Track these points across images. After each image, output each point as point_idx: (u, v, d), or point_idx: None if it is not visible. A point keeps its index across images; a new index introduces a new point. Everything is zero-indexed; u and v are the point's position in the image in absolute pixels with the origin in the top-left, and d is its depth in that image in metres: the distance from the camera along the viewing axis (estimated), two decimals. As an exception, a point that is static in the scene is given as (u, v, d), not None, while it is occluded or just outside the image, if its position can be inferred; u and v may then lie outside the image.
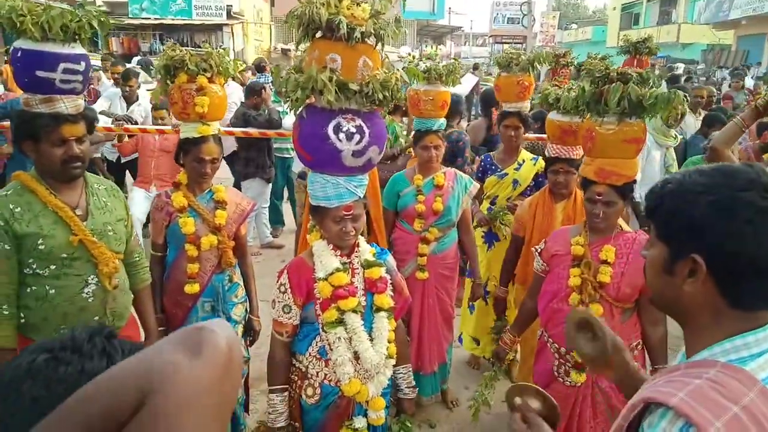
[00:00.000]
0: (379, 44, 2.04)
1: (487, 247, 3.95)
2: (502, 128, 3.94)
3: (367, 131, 2.02)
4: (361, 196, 2.14)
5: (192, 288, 2.74)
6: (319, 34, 2.04)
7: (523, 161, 3.95)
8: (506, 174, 3.92)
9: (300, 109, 2.04)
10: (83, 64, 2.12)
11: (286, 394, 2.19)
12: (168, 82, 2.69)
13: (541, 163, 4.03)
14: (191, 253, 2.73)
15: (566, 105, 3.07)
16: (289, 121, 5.58)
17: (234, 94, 7.29)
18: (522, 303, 2.86)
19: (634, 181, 2.45)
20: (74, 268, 2.12)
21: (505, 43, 30.77)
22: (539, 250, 2.69)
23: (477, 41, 42.95)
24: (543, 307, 2.61)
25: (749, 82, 12.62)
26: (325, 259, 2.15)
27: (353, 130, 2.00)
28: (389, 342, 2.17)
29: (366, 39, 2.00)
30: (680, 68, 16.75)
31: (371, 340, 2.12)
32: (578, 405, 2.46)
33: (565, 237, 2.61)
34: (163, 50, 2.70)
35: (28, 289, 2.09)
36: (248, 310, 3.01)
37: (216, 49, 2.77)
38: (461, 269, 3.87)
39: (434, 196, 3.37)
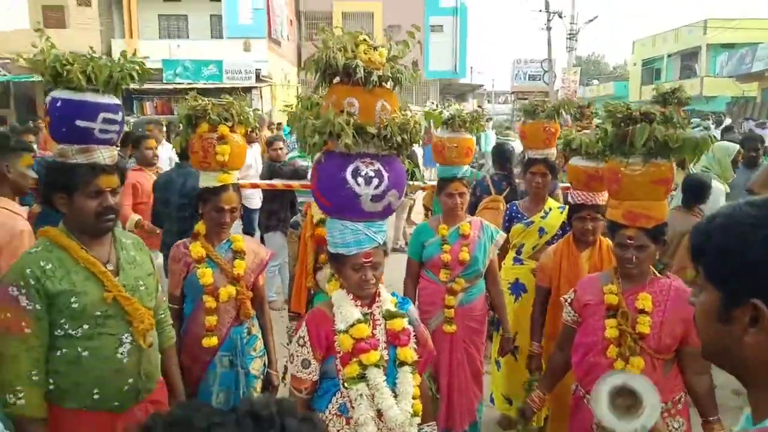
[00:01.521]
0: (397, 88, 2.01)
1: (514, 299, 3.79)
2: (529, 175, 3.87)
3: (386, 175, 1.97)
4: (381, 242, 2.06)
5: (210, 341, 2.66)
6: (336, 80, 2.03)
7: (550, 209, 3.85)
8: (532, 222, 3.81)
9: (318, 154, 2.00)
10: (120, 114, 2.13)
11: None
12: (189, 131, 2.71)
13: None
14: (209, 304, 2.66)
15: (591, 149, 3.03)
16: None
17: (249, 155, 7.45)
18: (551, 357, 2.72)
19: (665, 224, 2.34)
20: (108, 326, 2.03)
21: (527, 99, 31.19)
22: (569, 300, 2.56)
23: (498, 99, 43.68)
24: (578, 361, 2.46)
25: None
26: (345, 310, 2.05)
27: (372, 174, 1.95)
28: (414, 398, 2.03)
29: (383, 83, 1.98)
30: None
31: (395, 396, 1.99)
32: None
33: (595, 285, 2.48)
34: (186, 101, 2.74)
35: (59, 353, 1.98)
36: (266, 363, 2.91)
37: (240, 102, 2.79)
38: (489, 323, 3.72)
39: (460, 246, 3.28)
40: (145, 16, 21.54)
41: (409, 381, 2.03)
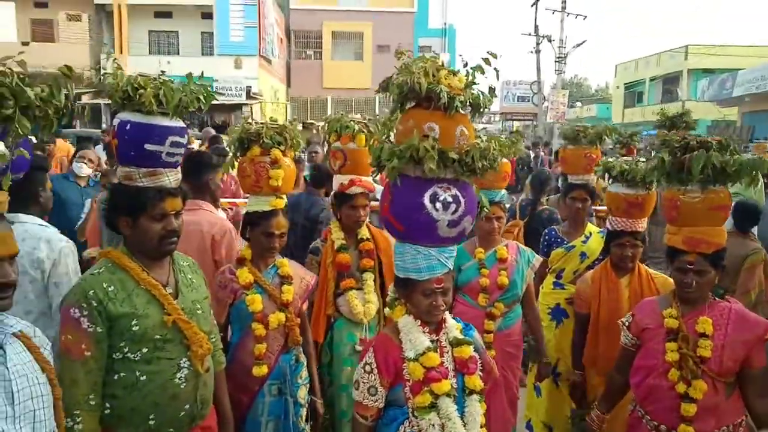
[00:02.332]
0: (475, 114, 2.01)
1: (555, 325, 3.75)
2: (569, 200, 3.87)
3: (462, 200, 1.95)
4: (452, 268, 2.04)
5: (260, 370, 2.58)
6: (411, 104, 2.02)
7: (591, 234, 3.84)
8: (574, 246, 3.80)
9: (392, 179, 1.98)
10: (186, 137, 2.10)
11: None
12: (238, 155, 2.67)
13: None
14: (259, 332, 2.59)
15: (636, 177, 3.05)
16: None
17: None
18: (609, 379, 2.73)
19: (724, 249, 2.37)
20: (167, 351, 1.98)
21: (516, 120, 31.57)
22: (627, 323, 2.57)
23: (482, 119, 44.11)
24: (638, 383, 2.48)
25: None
26: (414, 337, 2.02)
27: (450, 199, 1.93)
28: (482, 427, 2.00)
29: (462, 108, 1.97)
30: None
31: (464, 425, 1.96)
32: None
33: (654, 309, 2.50)
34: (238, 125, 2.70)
35: (116, 376, 1.93)
36: (310, 391, 2.85)
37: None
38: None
39: (498, 270, 3.27)
40: (136, 31, 21.47)
41: (477, 410, 2.00)
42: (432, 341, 2.02)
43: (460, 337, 2.07)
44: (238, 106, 20.75)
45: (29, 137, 1.83)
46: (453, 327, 2.10)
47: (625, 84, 33.48)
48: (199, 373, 2.04)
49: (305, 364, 2.81)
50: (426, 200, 1.92)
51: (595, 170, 3.39)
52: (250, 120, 2.66)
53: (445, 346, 2.06)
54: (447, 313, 2.09)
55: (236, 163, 2.72)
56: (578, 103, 39.70)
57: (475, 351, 2.07)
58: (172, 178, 2.06)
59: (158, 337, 1.96)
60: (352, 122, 2.99)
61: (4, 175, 1.46)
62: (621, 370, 2.62)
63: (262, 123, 2.65)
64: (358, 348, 2.97)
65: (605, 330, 3.18)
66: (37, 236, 2.50)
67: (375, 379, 2.00)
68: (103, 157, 6.23)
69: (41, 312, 2.50)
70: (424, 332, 2.03)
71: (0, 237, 1.49)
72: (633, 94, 33.18)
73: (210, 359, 2.14)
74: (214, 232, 3.09)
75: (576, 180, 3.96)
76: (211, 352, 2.12)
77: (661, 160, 2.42)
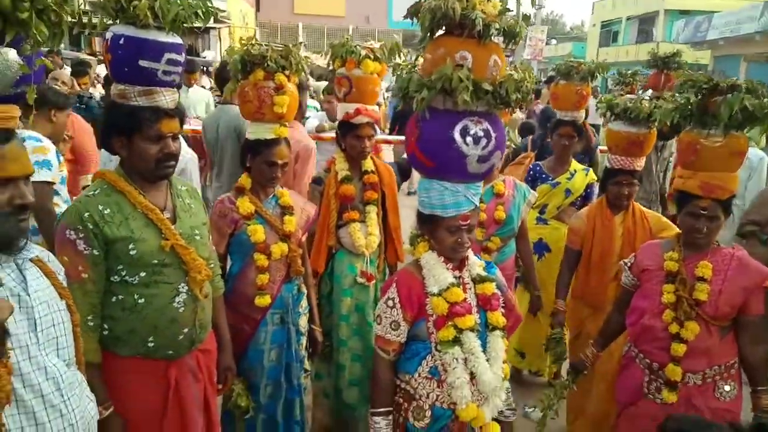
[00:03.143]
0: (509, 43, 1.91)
1: (536, 258, 3.83)
2: (556, 137, 3.87)
3: (493, 135, 1.88)
4: (478, 204, 2.00)
5: (263, 300, 2.55)
6: (441, 31, 1.90)
7: (575, 171, 3.88)
8: (559, 183, 3.84)
9: (420, 110, 1.89)
10: (183, 54, 1.95)
11: (391, 417, 2.03)
12: (240, 78, 2.52)
13: (593, 174, 3.97)
14: (261, 263, 2.55)
15: (639, 115, 3.02)
16: (311, 123, 5.41)
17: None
18: (608, 317, 2.78)
19: (734, 195, 2.36)
20: (165, 275, 1.94)
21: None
22: (629, 264, 2.60)
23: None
24: (633, 323, 2.53)
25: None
26: (437, 273, 2.00)
27: (481, 133, 1.86)
28: (504, 363, 2.02)
29: (495, 37, 1.87)
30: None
31: (487, 360, 1.97)
32: None
33: (656, 251, 2.52)
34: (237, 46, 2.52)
35: (114, 299, 1.90)
36: (309, 320, 2.85)
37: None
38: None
39: (495, 205, 3.25)
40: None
41: (500, 346, 2.02)
42: (455, 277, 2.01)
43: (483, 274, 2.06)
44: (205, 31, 19.72)
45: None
46: (475, 264, 2.09)
47: (602, 22, 33.10)
48: (197, 298, 2.02)
49: (306, 293, 2.80)
50: (456, 134, 1.84)
51: (598, 107, 3.34)
52: (253, 42, 2.48)
53: (468, 283, 2.05)
54: (470, 250, 2.07)
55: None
56: (553, 41, 39.21)
57: (497, 288, 2.07)
58: (168, 98, 1.93)
59: (156, 262, 1.92)
60: (357, 47, 2.85)
61: (20, 87, 1.33)
62: (620, 309, 2.67)
63: (266, 45, 2.48)
64: (359, 280, 2.97)
65: (597, 266, 3.24)
66: None
67: (398, 314, 1.99)
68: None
69: None
70: (447, 268, 2.01)
71: (14, 155, 1.39)
72: (608, 33, 32.89)
73: (208, 285, 2.11)
74: (299, 149, 3.50)
75: (565, 117, 3.93)
76: (209, 278, 2.09)
77: (686, 100, 2.36)
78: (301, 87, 3.53)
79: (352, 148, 2.99)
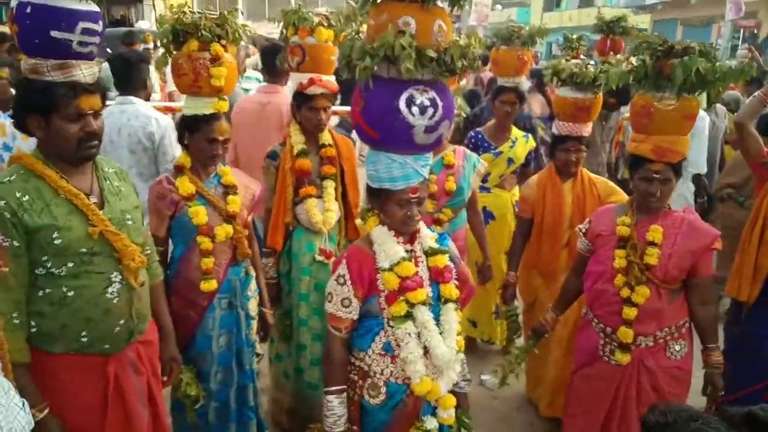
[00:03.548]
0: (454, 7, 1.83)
1: None
2: (498, 104, 3.84)
3: (440, 104, 1.82)
4: (427, 176, 1.94)
5: (209, 284, 2.45)
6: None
7: (516, 139, 3.88)
8: (501, 152, 3.84)
9: (363, 79, 1.80)
10: (101, 24, 1.78)
11: (345, 395, 1.99)
12: (172, 50, 2.35)
13: (533, 141, 3.98)
14: (205, 246, 2.43)
15: (585, 80, 3.01)
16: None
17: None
18: (565, 282, 2.82)
19: (685, 158, 2.38)
20: (95, 264, 1.81)
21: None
22: (583, 230, 2.62)
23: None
24: (588, 288, 2.57)
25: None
26: (388, 247, 1.95)
27: (427, 103, 1.79)
28: (458, 335, 2.00)
29: (438, 1, 1.78)
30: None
31: (440, 334, 1.95)
32: (623, 385, 2.44)
33: (609, 216, 2.55)
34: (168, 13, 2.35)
35: (41, 293, 1.77)
36: (259, 303, 2.76)
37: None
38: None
39: (446, 176, 3.21)
40: None
41: (453, 318, 1.99)
42: (407, 251, 1.96)
43: (435, 246, 2.02)
44: (138, -1, 18.76)
45: None
46: (428, 236, 2.04)
47: (545, -13, 33.30)
48: (132, 287, 1.90)
49: (254, 275, 2.70)
50: (402, 104, 1.77)
51: (544, 72, 3.32)
52: (185, 7, 2.31)
53: (420, 256, 2.01)
54: (421, 222, 2.02)
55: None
56: (498, 6, 39.15)
57: (450, 260, 2.03)
58: (86, 72, 1.79)
59: (84, 250, 1.79)
60: (310, 14, 2.71)
61: None
62: (576, 274, 2.70)
63: (199, 13, 2.32)
64: (318, 258, 2.88)
65: (548, 233, 3.27)
66: (147, 114, 3.26)
67: (348, 291, 1.94)
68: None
69: (151, 175, 3.23)
70: (398, 242, 1.96)
71: None
72: (552, -3, 33.18)
73: (144, 272, 2.00)
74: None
75: (506, 83, 3.90)
76: (144, 265, 1.97)
77: (642, 63, 2.32)
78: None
79: (308, 121, 2.87)
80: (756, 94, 2.83)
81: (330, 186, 2.90)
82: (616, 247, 2.44)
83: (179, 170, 2.48)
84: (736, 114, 2.92)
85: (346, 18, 1.88)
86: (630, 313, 2.35)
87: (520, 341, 3.37)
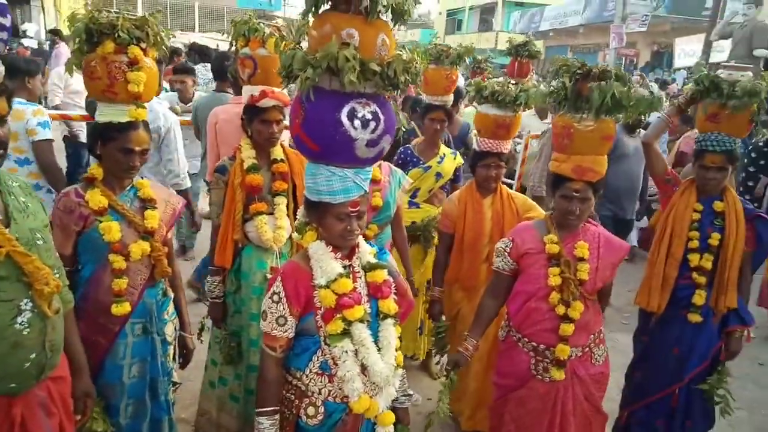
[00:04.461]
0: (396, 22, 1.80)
1: (410, 242, 3.81)
2: (428, 121, 3.89)
3: (382, 118, 1.78)
4: (367, 190, 1.89)
5: (121, 308, 2.24)
6: (326, 6, 1.75)
7: (444, 155, 3.94)
8: (430, 167, 3.88)
9: (304, 90, 1.72)
10: (9, 18, 1.59)
11: (277, 416, 1.89)
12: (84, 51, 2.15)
13: (460, 158, 4.06)
14: (118, 265, 2.23)
15: (506, 98, 3.11)
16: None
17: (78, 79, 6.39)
18: (481, 303, 2.72)
19: (603, 177, 2.47)
20: (1, 291, 1.59)
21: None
22: (507, 249, 2.59)
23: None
24: (517, 308, 2.54)
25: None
26: (325, 264, 1.87)
27: (369, 116, 1.74)
28: (396, 350, 1.96)
29: (383, 14, 1.76)
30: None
31: (379, 350, 1.90)
32: (560, 399, 2.47)
33: (533, 234, 2.56)
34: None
35: None
36: (178, 327, 2.57)
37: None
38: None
39: (372, 191, 3.18)
40: None
41: (392, 334, 1.95)
42: (344, 267, 1.90)
43: (374, 261, 1.97)
44: (25, 1, 17.35)
45: None
46: (366, 251, 1.99)
47: (447, 11, 34.68)
48: (46, 315, 1.69)
49: (172, 297, 2.52)
50: (343, 117, 1.71)
51: (467, 90, 3.40)
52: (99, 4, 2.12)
53: (359, 271, 1.95)
54: (360, 237, 1.96)
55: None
56: (403, 27, 40.19)
57: (389, 275, 1.99)
58: None
59: None
60: (261, 25, 2.61)
61: None
62: (495, 295, 2.66)
63: (116, 12, 2.13)
64: (270, 276, 2.74)
65: (469, 248, 3.32)
66: (156, 111, 3.73)
67: (284, 309, 1.85)
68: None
69: (155, 163, 3.90)
70: (336, 258, 1.89)
71: None
72: (453, 21, 34.60)
73: (58, 298, 1.79)
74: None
75: (435, 101, 3.98)
76: (59, 290, 1.77)
77: (562, 85, 2.42)
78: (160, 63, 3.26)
79: (259, 134, 2.75)
80: (659, 115, 3.04)
81: (282, 202, 2.79)
82: (548, 266, 2.46)
83: (89, 182, 2.26)
84: (643, 134, 3.13)
85: (298, 30, 1.79)
86: (568, 329, 2.39)
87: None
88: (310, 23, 1.77)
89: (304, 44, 1.82)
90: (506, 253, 2.59)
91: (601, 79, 2.33)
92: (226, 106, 3.96)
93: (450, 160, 3.94)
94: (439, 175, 3.88)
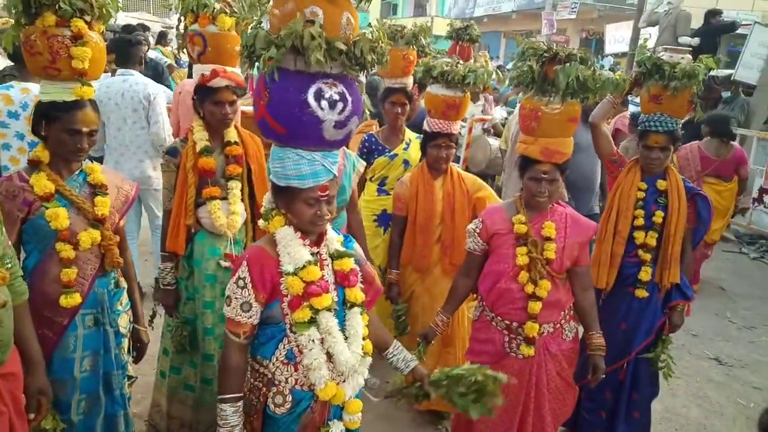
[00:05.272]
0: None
1: (383, 230, 3.82)
2: (388, 105, 3.83)
3: (349, 99, 1.75)
4: (336, 174, 1.87)
5: (71, 299, 2.14)
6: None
7: (410, 141, 3.89)
8: (396, 155, 3.83)
9: (268, 71, 1.68)
10: None
11: (240, 403, 1.86)
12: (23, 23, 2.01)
13: None
14: (66, 254, 2.12)
15: (455, 78, 3.13)
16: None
17: None
18: (455, 283, 2.78)
19: (569, 159, 2.54)
20: None
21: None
22: (477, 230, 2.63)
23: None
24: (488, 288, 2.59)
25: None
26: (293, 250, 1.84)
27: (336, 97, 1.72)
28: (364, 339, 1.95)
29: (347, -8, 1.73)
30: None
31: (346, 339, 1.89)
32: (533, 375, 2.54)
33: (502, 215, 2.61)
34: None
35: None
36: (132, 319, 2.47)
37: None
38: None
39: (326, 175, 3.14)
40: None
41: (359, 322, 1.93)
42: (312, 254, 1.87)
43: (341, 249, 1.95)
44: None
45: None
46: (334, 239, 1.96)
47: (382, -6, 34.45)
48: None
49: (126, 288, 2.41)
50: (310, 98, 1.68)
51: (415, 70, 3.38)
52: None
53: (326, 259, 1.92)
54: (328, 225, 1.93)
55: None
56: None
57: (356, 263, 1.97)
58: None
59: None
60: (211, 0, 2.49)
61: None
62: (468, 274, 2.71)
63: (59, -17, 1.99)
64: (223, 263, 2.67)
65: (422, 230, 3.34)
66: (144, 82, 4.30)
67: (249, 295, 1.80)
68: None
69: (141, 127, 4.28)
70: (304, 245, 1.86)
71: None
72: (389, 5, 34.43)
73: (6, 291, 1.71)
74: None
75: (394, 84, 3.92)
76: (7, 281, 1.69)
77: (530, 68, 2.44)
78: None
79: (211, 116, 2.65)
80: (608, 97, 3.15)
81: (236, 187, 2.71)
82: (516, 245, 2.51)
83: (34, 165, 2.14)
84: (590, 115, 3.23)
85: (250, 5, 1.73)
86: (536, 307, 2.45)
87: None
88: (270, 1, 1.72)
89: (265, 24, 1.76)
90: (477, 234, 2.64)
91: (567, 62, 2.37)
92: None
93: (416, 147, 3.86)
94: (406, 162, 3.82)
